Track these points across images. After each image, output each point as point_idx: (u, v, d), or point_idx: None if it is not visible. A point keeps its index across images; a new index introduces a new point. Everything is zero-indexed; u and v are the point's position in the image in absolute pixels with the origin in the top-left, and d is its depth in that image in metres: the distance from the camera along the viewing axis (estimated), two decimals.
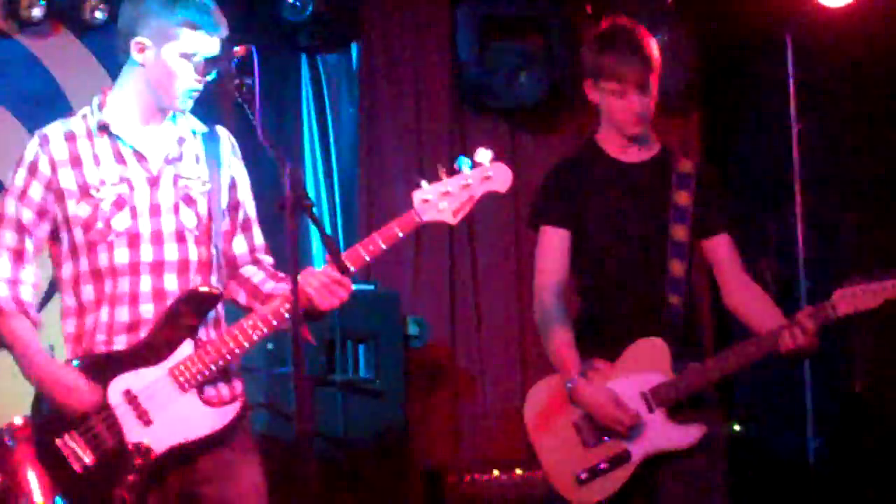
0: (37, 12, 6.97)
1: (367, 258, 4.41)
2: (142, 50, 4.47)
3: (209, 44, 4.49)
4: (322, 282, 4.38)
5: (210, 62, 4.47)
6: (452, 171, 4.50)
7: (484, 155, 4.50)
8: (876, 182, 7.53)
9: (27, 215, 4.53)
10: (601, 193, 5.32)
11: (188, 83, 4.52)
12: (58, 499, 4.72)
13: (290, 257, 4.13)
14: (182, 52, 4.47)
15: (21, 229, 4.53)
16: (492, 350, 7.83)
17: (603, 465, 5.08)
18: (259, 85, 4.27)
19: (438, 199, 4.48)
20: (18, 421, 5.18)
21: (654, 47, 5.25)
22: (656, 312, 5.22)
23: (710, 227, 5.23)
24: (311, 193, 7.37)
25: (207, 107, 4.73)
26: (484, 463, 7.20)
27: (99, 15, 7.05)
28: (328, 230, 7.65)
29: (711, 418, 5.12)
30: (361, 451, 7.00)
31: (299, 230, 5.08)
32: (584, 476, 5.09)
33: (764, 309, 5.19)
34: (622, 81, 5.19)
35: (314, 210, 4.22)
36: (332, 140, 7.97)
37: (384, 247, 4.43)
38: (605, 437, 5.12)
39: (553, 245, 5.32)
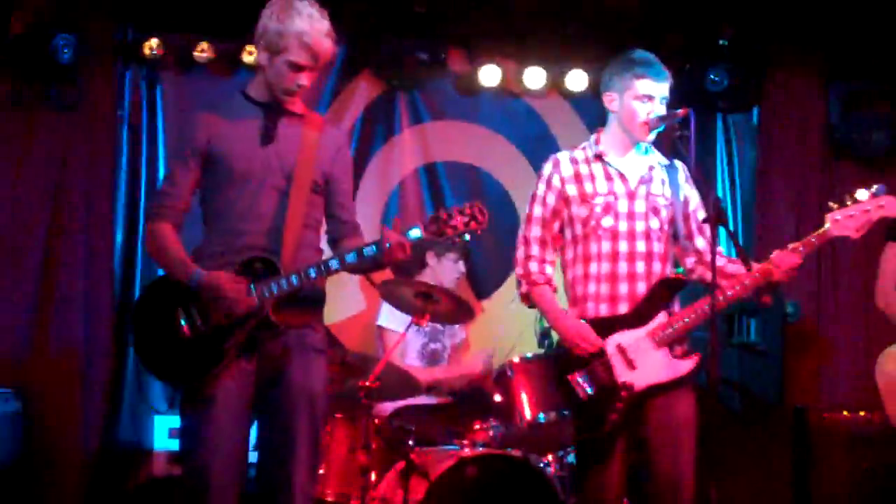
0: (537, 81, 8.32)
1: (799, 258, 4.94)
2: (611, 101, 5.16)
3: (656, 88, 5.07)
4: (789, 260, 4.92)
5: (660, 118, 5.05)
6: (855, 200, 4.95)
7: (879, 189, 4.95)
8: None
9: (546, 214, 5.21)
10: None
11: (646, 118, 5.06)
12: (540, 415, 6.14)
13: (712, 259, 4.72)
14: (636, 96, 5.07)
15: (544, 224, 5.21)
16: (846, 324, 8.38)
17: None
18: (693, 135, 4.90)
19: (846, 220, 4.94)
20: (516, 359, 6.44)
21: None
22: None
23: None
24: None
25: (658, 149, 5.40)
26: (838, 405, 7.67)
27: (580, 84, 8.31)
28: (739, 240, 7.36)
29: None
30: (750, 394, 7.83)
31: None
32: None
33: None
34: None
35: (729, 225, 4.84)
36: (737, 176, 8.77)
37: (804, 252, 4.94)
38: None
39: (894, 257, 6.06)
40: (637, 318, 5.06)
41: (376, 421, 6.52)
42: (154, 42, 7.72)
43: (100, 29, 7.61)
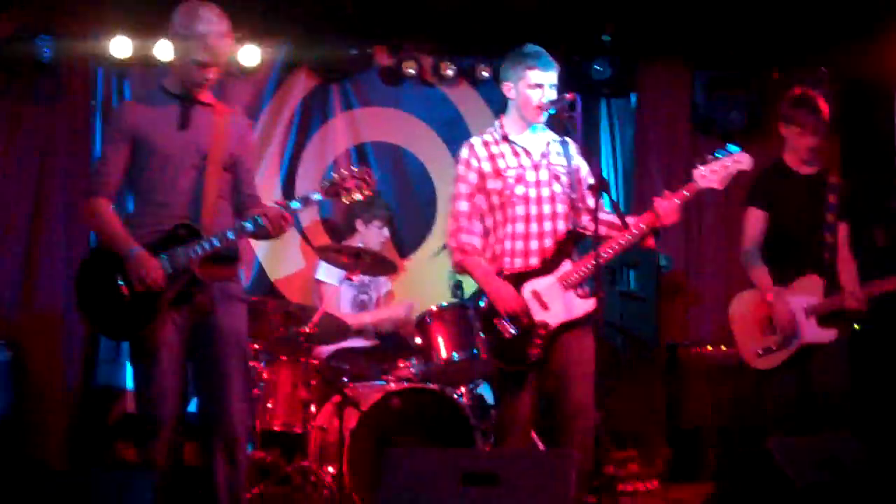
0: (450, 72, 8.82)
1: (678, 203, 5.18)
2: (508, 89, 5.47)
3: (545, 76, 5.37)
4: (668, 207, 5.15)
5: (551, 102, 5.32)
6: (716, 158, 5.21)
7: (735, 147, 5.23)
8: None
9: (469, 191, 5.49)
10: (787, 191, 6.25)
11: (538, 103, 5.35)
12: (454, 354, 6.50)
13: (595, 218, 5.08)
14: (528, 84, 5.37)
15: (468, 199, 5.49)
16: (709, 274, 8.89)
17: (773, 347, 6.20)
18: (580, 116, 5.23)
19: (710, 174, 5.20)
20: (434, 308, 6.76)
21: (826, 109, 6.06)
22: (817, 262, 6.19)
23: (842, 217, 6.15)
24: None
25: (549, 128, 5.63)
26: (703, 342, 8.26)
27: (486, 74, 8.75)
28: (619, 204, 7.66)
29: (844, 326, 6.21)
30: (630, 333, 8.32)
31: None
32: (761, 352, 6.24)
33: (850, 276, 6.18)
34: (803, 128, 6.14)
35: (611, 192, 5.33)
36: (618, 152, 9.24)
37: (679, 202, 5.17)
38: (777, 331, 6.13)
39: (755, 220, 6.33)
40: (547, 267, 5.35)
41: (315, 362, 7.03)
42: (121, 42, 8.14)
43: (75, 31, 8.08)
